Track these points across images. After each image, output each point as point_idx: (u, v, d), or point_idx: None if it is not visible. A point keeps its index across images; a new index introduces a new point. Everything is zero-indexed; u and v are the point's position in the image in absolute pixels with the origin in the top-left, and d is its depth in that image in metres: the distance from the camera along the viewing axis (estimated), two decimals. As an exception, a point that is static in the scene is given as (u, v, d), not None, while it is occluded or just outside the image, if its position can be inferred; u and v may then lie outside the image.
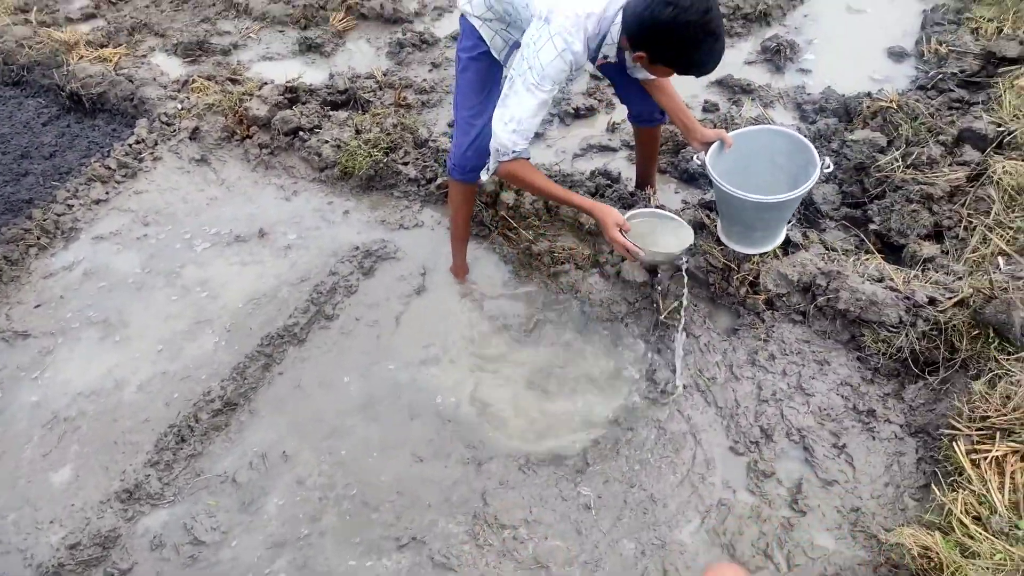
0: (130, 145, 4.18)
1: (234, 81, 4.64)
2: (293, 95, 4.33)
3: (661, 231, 2.80)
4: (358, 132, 4.01)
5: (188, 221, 3.80)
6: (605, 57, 2.55)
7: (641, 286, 3.13)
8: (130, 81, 4.63)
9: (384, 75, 4.67)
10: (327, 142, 3.96)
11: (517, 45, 2.78)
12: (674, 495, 2.49)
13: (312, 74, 4.77)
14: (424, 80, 4.64)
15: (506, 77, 2.56)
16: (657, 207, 2.91)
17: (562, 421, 2.77)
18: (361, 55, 5.03)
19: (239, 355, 3.08)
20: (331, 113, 4.26)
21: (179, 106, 4.42)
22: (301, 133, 4.07)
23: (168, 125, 4.31)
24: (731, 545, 2.35)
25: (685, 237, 2.75)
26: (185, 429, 2.81)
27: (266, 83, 4.46)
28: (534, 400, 2.85)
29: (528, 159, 2.64)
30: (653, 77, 2.83)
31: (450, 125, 4.27)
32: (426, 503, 2.56)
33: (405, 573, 2.40)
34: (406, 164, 3.87)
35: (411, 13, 5.37)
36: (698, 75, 2.40)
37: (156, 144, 4.22)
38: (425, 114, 4.39)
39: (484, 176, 2.79)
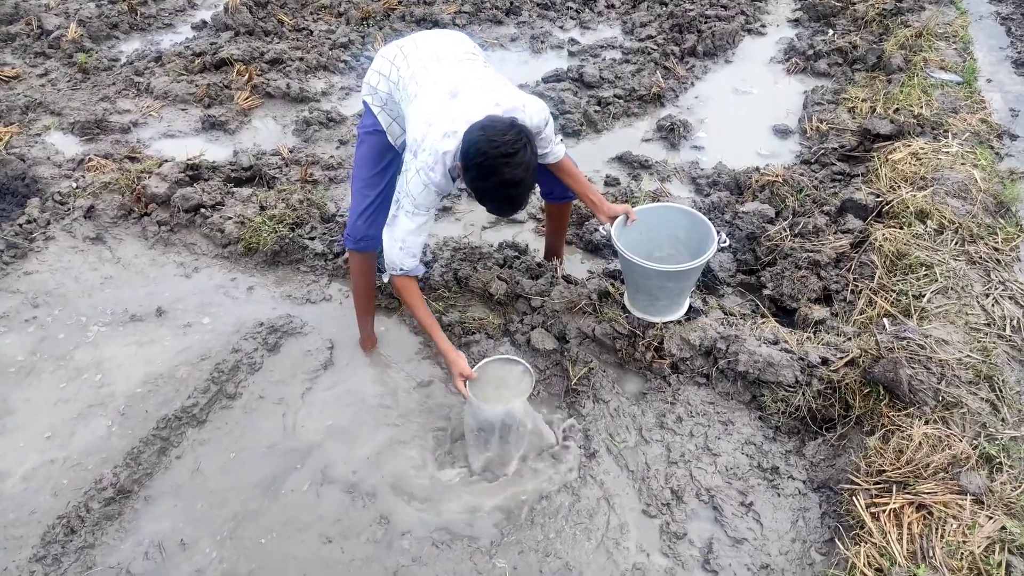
0: (20, 225, 4.00)
1: (133, 159, 4.54)
2: (195, 172, 4.27)
3: (508, 379, 2.85)
4: (263, 208, 3.98)
5: (81, 302, 3.63)
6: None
7: (551, 353, 3.16)
8: (22, 160, 4.47)
9: (290, 152, 4.67)
10: (230, 218, 3.90)
11: None
12: (590, 562, 2.46)
13: (216, 151, 4.72)
14: (331, 156, 4.66)
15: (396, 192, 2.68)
16: (508, 357, 2.94)
17: (476, 493, 2.72)
18: (267, 132, 5.03)
19: (133, 439, 2.92)
20: (235, 190, 4.22)
21: (74, 184, 4.28)
22: (203, 210, 4.00)
23: (62, 204, 4.16)
24: (647, 611, 2.34)
25: (524, 389, 2.79)
26: (75, 520, 2.62)
27: (166, 160, 4.38)
28: (448, 472, 2.80)
29: (417, 277, 2.78)
30: (557, 160, 2.96)
31: (357, 200, 4.29)
32: (335, 587, 2.45)
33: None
34: (312, 239, 3.85)
35: (318, 92, 5.44)
36: (488, 208, 2.54)
37: (48, 224, 4.06)
38: (332, 190, 4.39)
39: (385, 278, 2.84)
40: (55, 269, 3.82)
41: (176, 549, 2.57)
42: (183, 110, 5.27)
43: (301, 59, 5.83)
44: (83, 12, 6.59)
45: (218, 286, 3.71)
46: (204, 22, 6.56)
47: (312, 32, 6.40)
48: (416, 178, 2.50)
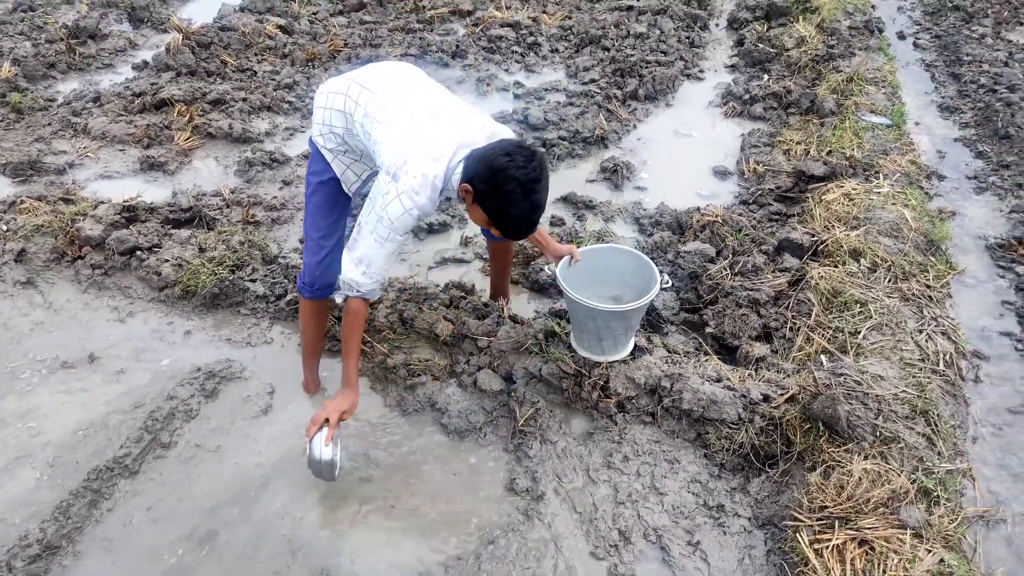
0: (-55, 270, 3.85)
1: (67, 201, 4.41)
2: (131, 214, 4.17)
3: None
4: (202, 250, 3.90)
5: (9, 349, 3.49)
6: (448, 199, 2.64)
7: (498, 394, 3.13)
8: (-51, 202, 4.32)
9: (232, 192, 4.60)
10: (167, 261, 3.81)
11: (372, 176, 2.83)
12: (537, 609, 2.42)
13: (154, 192, 4.63)
14: (274, 197, 4.60)
15: (355, 218, 2.61)
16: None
17: (422, 539, 2.66)
18: (208, 173, 4.95)
19: (63, 492, 2.79)
20: (173, 231, 4.12)
21: (4, 228, 4.14)
22: (139, 252, 3.90)
23: (-9, 247, 4.02)
24: (596, 657, 2.29)
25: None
26: (-6, 581, 2.49)
27: (102, 202, 4.27)
28: (392, 519, 2.73)
29: (373, 300, 2.68)
30: None
31: (301, 241, 4.23)
32: (274, 643, 2.35)
33: None
34: (254, 281, 3.77)
35: (261, 133, 5.39)
36: (504, 233, 2.49)
37: (-25, 269, 3.91)
38: (275, 231, 4.33)
39: (339, 299, 2.74)
40: (-18, 315, 3.67)
41: (104, 608, 2.44)
42: (121, 151, 5.16)
43: (244, 100, 5.78)
44: (18, 51, 6.45)
45: (154, 331, 3.60)
46: (145, 62, 6.47)
47: (256, 73, 6.36)
48: (396, 202, 2.40)
